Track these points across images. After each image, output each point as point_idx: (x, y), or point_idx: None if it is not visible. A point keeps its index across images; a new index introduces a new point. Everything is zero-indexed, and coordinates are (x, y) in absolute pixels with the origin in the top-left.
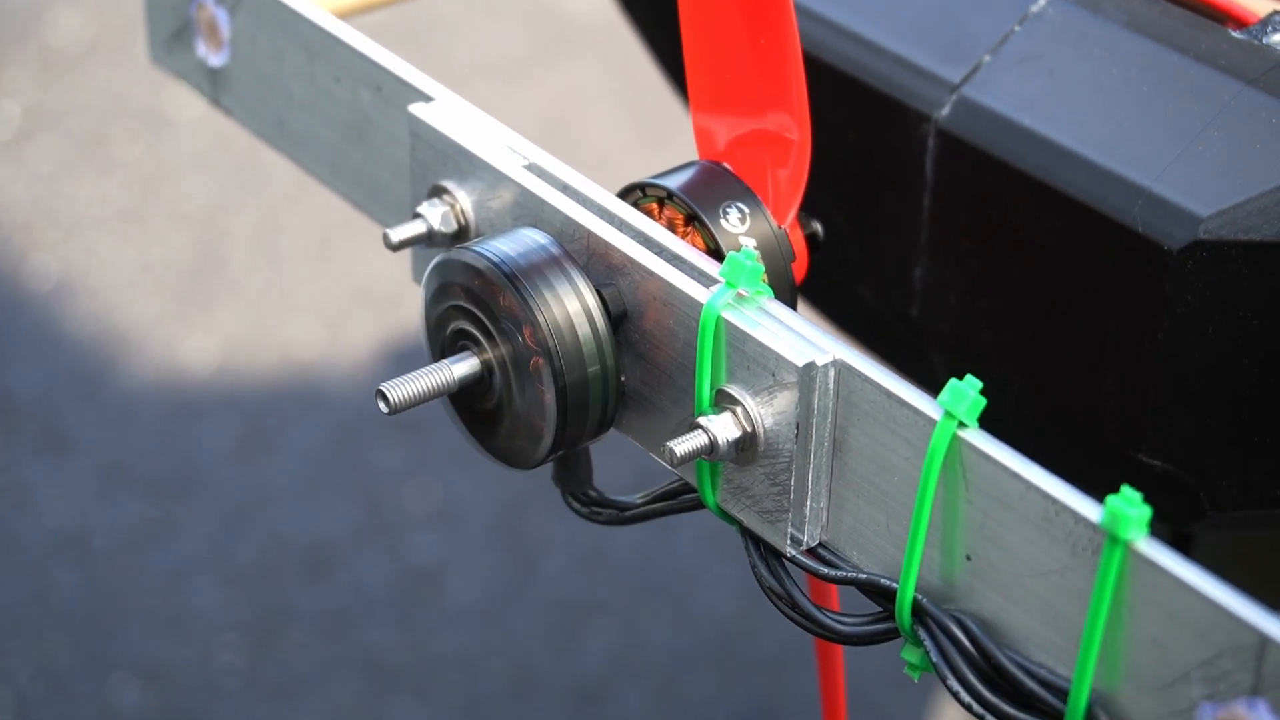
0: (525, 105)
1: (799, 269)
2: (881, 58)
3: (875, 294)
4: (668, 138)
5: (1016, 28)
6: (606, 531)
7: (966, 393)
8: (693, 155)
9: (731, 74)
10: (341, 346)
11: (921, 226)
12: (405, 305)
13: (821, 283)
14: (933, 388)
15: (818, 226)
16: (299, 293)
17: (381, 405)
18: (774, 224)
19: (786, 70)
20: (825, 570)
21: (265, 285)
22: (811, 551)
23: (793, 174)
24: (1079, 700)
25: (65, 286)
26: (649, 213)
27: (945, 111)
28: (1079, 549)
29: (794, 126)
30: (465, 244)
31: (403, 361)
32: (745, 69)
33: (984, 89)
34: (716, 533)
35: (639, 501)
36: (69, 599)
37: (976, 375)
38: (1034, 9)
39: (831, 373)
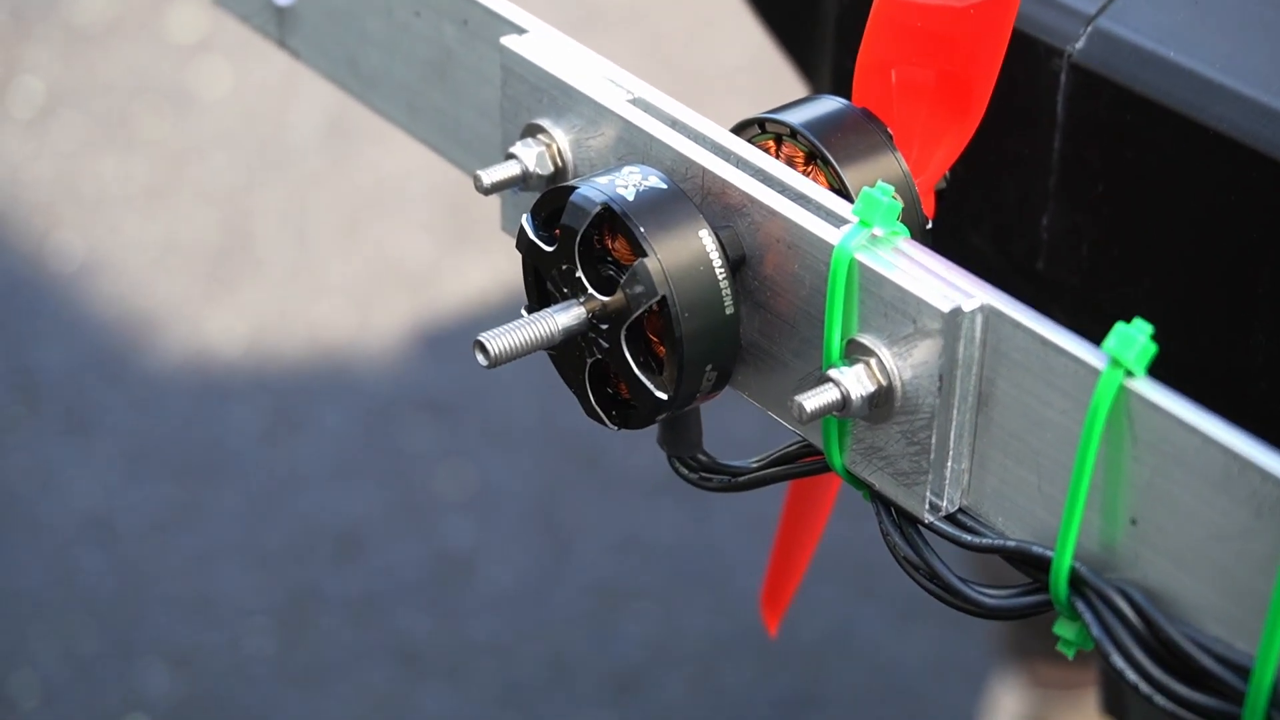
0: None
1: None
2: None
3: (994, 244)
4: (704, 112)
5: None
6: (644, 515)
7: (1135, 338)
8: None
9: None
10: (371, 326)
11: (1050, 170)
12: (436, 284)
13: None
14: None
15: (945, 179)
16: (327, 272)
17: (480, 357)
18: (903, 164)
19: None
20: (968, 538)
21: (293, 265)
22: (951, 517)
23: (954, 136)
24: (1263, 678)
25: (89, 266)
26: (766, 149)
27: (1079, 44)
28: (1264, 510)
29: (974, 80)
30: (570, 182)
31: (435, 341)
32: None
33: (1122, 19)
34: (757, 516)
35: (754, 465)
36: (95, 583)
37: (1107, 331)
38: None
39: (979, 319)
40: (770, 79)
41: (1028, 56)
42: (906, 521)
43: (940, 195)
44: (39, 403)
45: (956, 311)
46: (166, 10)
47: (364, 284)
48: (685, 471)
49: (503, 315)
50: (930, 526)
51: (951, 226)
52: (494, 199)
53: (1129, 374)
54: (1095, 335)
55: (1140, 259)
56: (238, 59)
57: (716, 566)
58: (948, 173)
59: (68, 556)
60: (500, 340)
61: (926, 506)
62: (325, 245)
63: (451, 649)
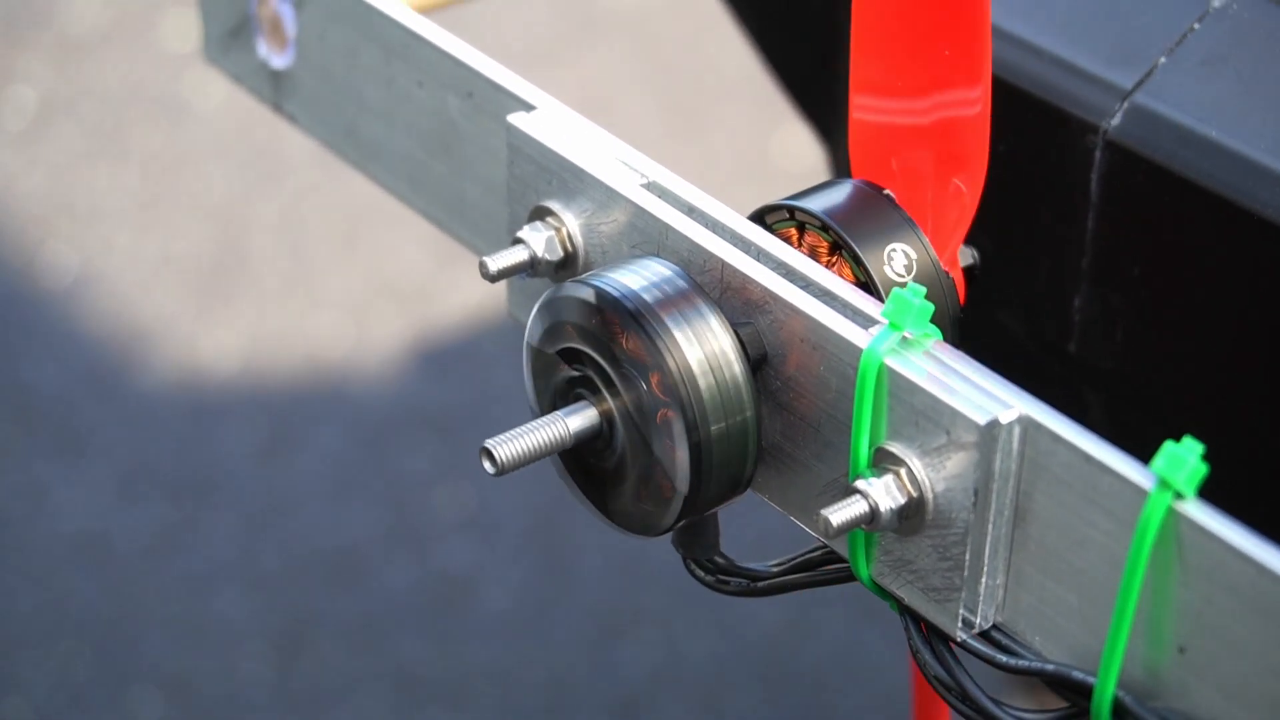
0: (555, 91)
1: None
2: (1040, 60)
3: (1024, 324)
4: (702, 127)
5: (1195, 25)
6: (646, 540)
7: (1185, 458)
8: (728, 146)
9: (907, 48)
10: (369, 342)
11: (1084, 250)
12: (436, 299)
13: None
14: (1088, 429)
15: (974, 256)
16: (324, 286)
17: (487, 466)
18: (934, 256)
19: (976, 47)
20: (1004, 658)
21: (289, 279)
22: (985, 635)
23: (962, 203)
24: None
25: (83, 280)
26: (787, 239)
27: (1115, 121)
28: None
29: (976, 107)
30: (580, 276)
31: (433, 358)
32: (924, 41)
33: (1160, 94)
34: (761, 535)
35: (774, 570)
36: (87, 606)
37: (1143, 417)
38: (1215, 4)
39: (1017, 430)
40: (771, 94)
41: (1060, 132)
42: (937, 638)
43: (970, 274)
44: (30, 421)
45: (993, 424)
46: (160, 19)
47: (361, 298)
48: (701, 574)
49: (503, 331)
50: (963, 645)
51: (981, 305)
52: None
53: (1178, 496)
54: (1131, 421)
55: (1178, 345)
56: None
57: None
58: (974, 251)
59: (59, 579)
60: (508, 447)
61: (959, 624)
62: (322, 259)
63: (450, 674)
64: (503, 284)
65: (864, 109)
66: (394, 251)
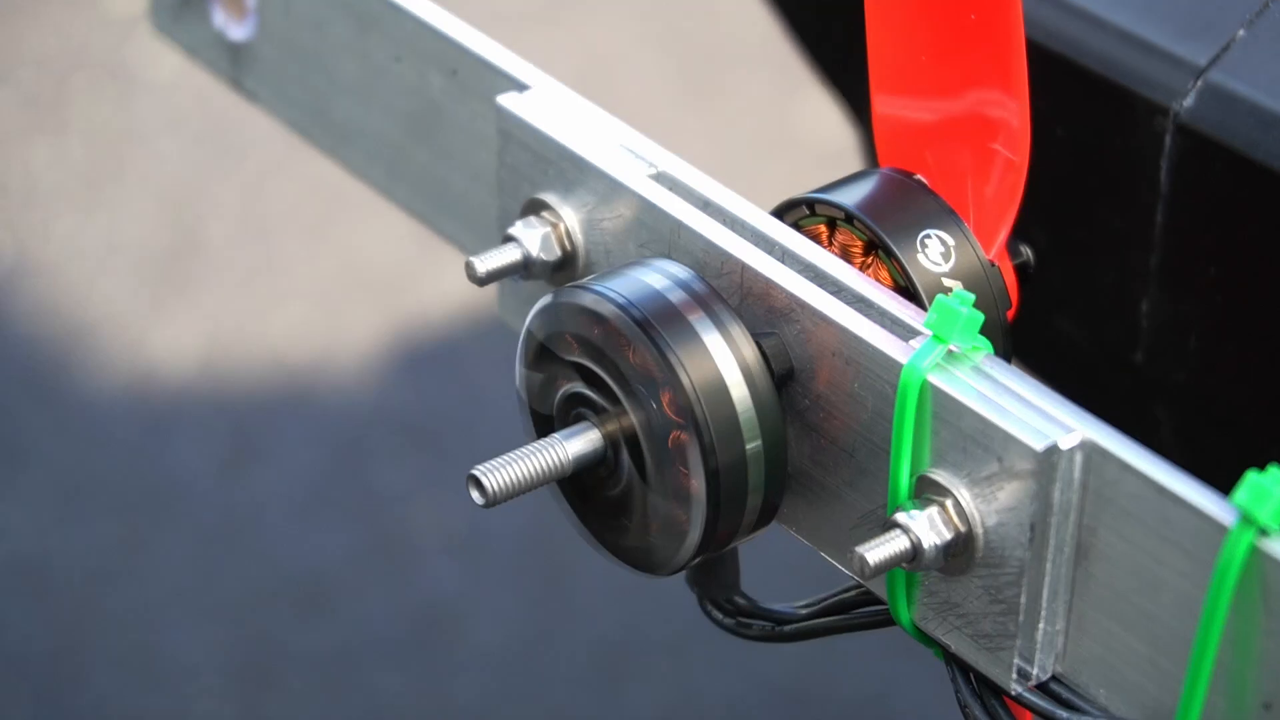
0: (554, 56)
1: (1008, 313)
2: (1103, 33)
3: (1084, 331)
4: (716, 90)
5: None
6: None
7: (1270, 490)
8: (745, 116)
9: (930, 46)
10: (341, 340)
11: (1152, 248)
12: (417, 290)
13: None
14: (1157, 451)
15: (1028, 253)
16: (291, 276)
17: (476, 496)
18: (984, 259)
19: (1006, 37)
20: (1064, 714)
21: (251, 269)
22: (1043, 687)
23: (1003, 186)
24: None
25: (18, 271)
26: (816, 238)
27: (1187, 101)
28: None
29: (1011, 111)
30: (580, 281)
31: (414, 358)
32: (949, 39)
33: (1237, 71)
34: (785, 557)
35: (801, 612)
36: (24, 639)
37: (1220, 439)
38: None
39: (1079, 458)
40: (791, 62)
41: (1125, 115)
42: (988, 691)
43: (1024, 273)
44: None
45: (1052, 450)
46: None
47: (333, 290)
48: (719, 616)
49: (492, 327)
50: (1018, 698)
51: (1036, 310)
52: None
53: (1263, 532)
54: (1205, 441)
55: (1259, 356)
56: None
57: None
58: (1028, 248)
59: None
60: (499, 475)
61: (1014, 675)
62: (288, 246)
63: (434, 713)
64: (493, 285)
65: (889, 105)
66: (369, 237)
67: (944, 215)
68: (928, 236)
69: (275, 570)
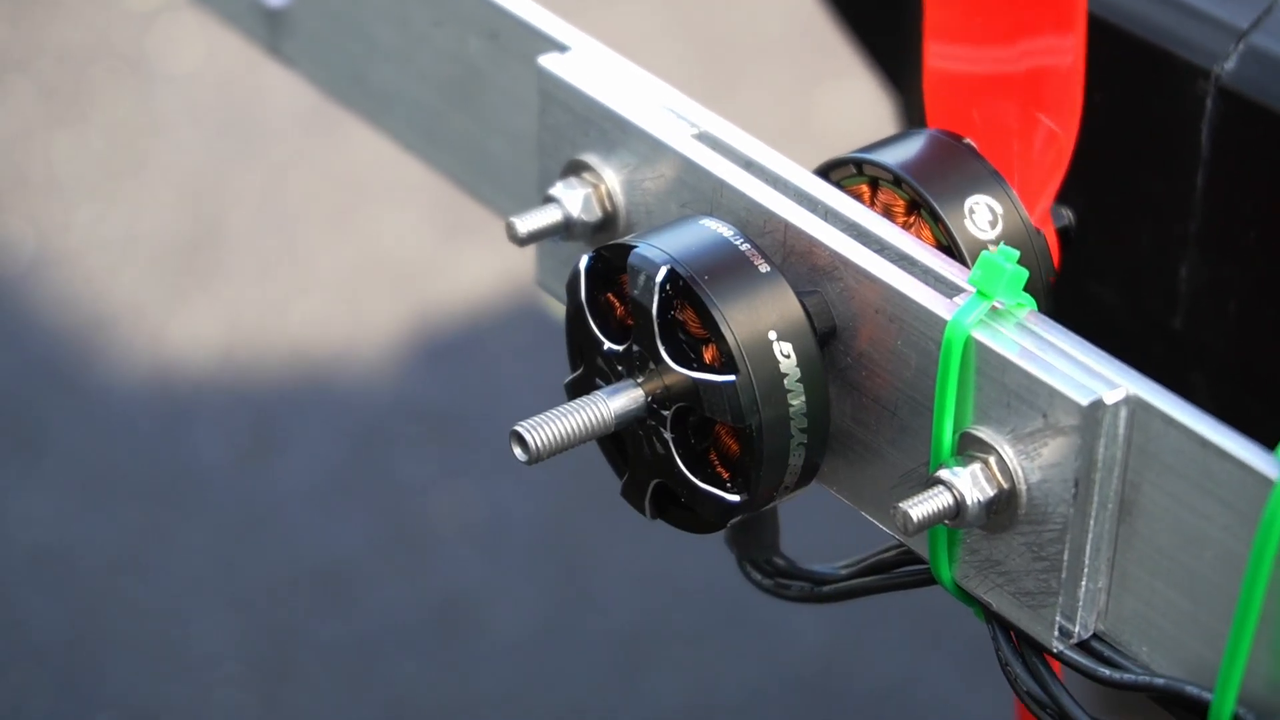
0: None
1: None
2: None
3: (1121, 296)
4: (737, 80)
5: None
6: (675, 548)
7: None
8: (768, 106)
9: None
10: (362, 330)
11: (1192, 213)
12: (438, 280)
13: None
14: None
15: (1070, 217)
16: (312, 267)
17: (518, 452)
18: (1030, 224)
19: None
20: (1106, 672)
21: (272, 259)
22: (1084, 645)
23: (1051, 149)
24: None
25: (39, 262)
26: (858, 197)
27: (1229, 64)
28: None
29: (1066, 54)
30: (624, 238)
31: (434, 347)
32: None
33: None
34: (808, 545)
35: (842, 573)
36: (46, 628)
37: (1258, 404)
38: None
39: (1123, 413)
40: (815, 50)
41: (1167, 78)
42: (1030, 649)
43: (1065, 237)
44: None
45: (1097, 404)
46: None
47: (353, 281)
48: (758, 577)
49: (514, 316)
50: (1060, 656)
51: (1074, 275)
52: None
53: None
54: (1245, 407)
55: None
56: (209, 22)
57: (759, 607)
58: (1069, 212)
59: (14, 597)
60: (543, 431)
61: (1056, 633)
62: (310, 236)
63: (454, 705)
64: (514, 260)
65: (941, 56)
66: (389, 227)
67: (992, 181)
68: (976, 203)
69: (295, 559)
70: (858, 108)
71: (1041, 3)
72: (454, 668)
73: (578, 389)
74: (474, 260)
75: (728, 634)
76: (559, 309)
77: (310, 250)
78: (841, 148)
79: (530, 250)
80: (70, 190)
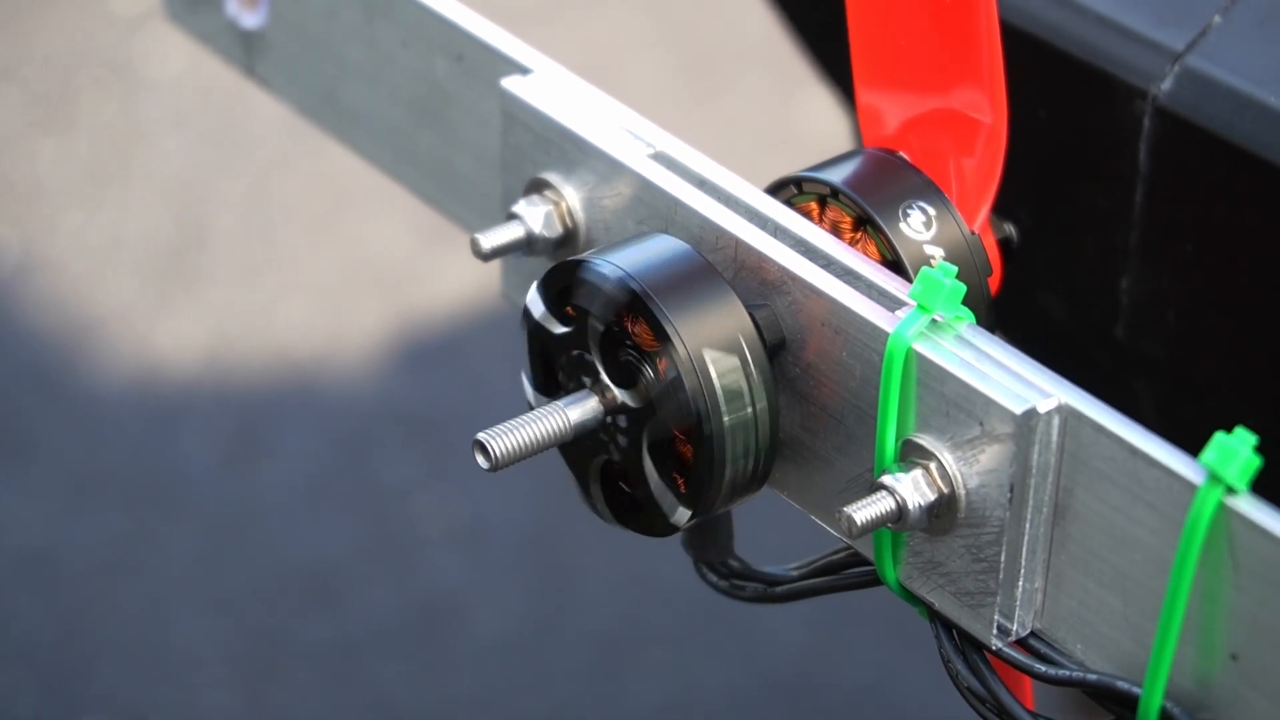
0: (555, 54)
1: (992, 283)
2: (1083, 19)
3: (1067, 308)
4: (718, 88)
5: None
6: (656, 551)
7: (1237, 450)
8: (747, 114)
9: (908, 39)
10: (345, 334)
11: (1132, 226)
12: (421, 285)
13: None
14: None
15: (1011, 230)
16: (296, 272)
17: (480, 460)
18: (965, 229)
19: (977, 32)
20: (1042, 668)
21: (257, 264)
22: (1022, 643)
23: (983, 163)
24: None
25: (25, 267)
26: (807, 214)
27: (1165, 85)
28: None
29: (985, 104)
30: (581, 255)
31: (418, 352)
32: (925, 32)
33: (1214, 56)
34: (785, 547)
35: (793, 574)
36: (32, 630)
37: (1198, 411)
38: None
39: (1056, 421)
40: (793, 58)
41: (1106, 97)
42: (971, 647)
43: (1007, 249)
44: None
45: (1031, 413)
46: None
47: (338, 286)
48: (713, 579)
49: (496, 321)
50: (998, 654)
51: (1019, 288)
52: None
53: (1230, 491)
54: (1184, 414)
55: (1236, 329)
56: None
57: (738, 609)
58: (1010, 225)
59: (1, 599)
60: (503, 440)
61: (995, 631)
62: (294, 242)
63: (436, 705)
64: (496, 266)
65: (871, 97)
66: (374, 232)
67: (926, 187)
68: (910, 207)
69: (280, 562)
70: (838, 114)
71: (956, 51)
72: (437, 669)
73: (542, 391)
74: (456, 266)
75: (707, 635)
76: None
77: (294, 255)
78: (822, 153)
79: (496, 264)
80: (56, 196)
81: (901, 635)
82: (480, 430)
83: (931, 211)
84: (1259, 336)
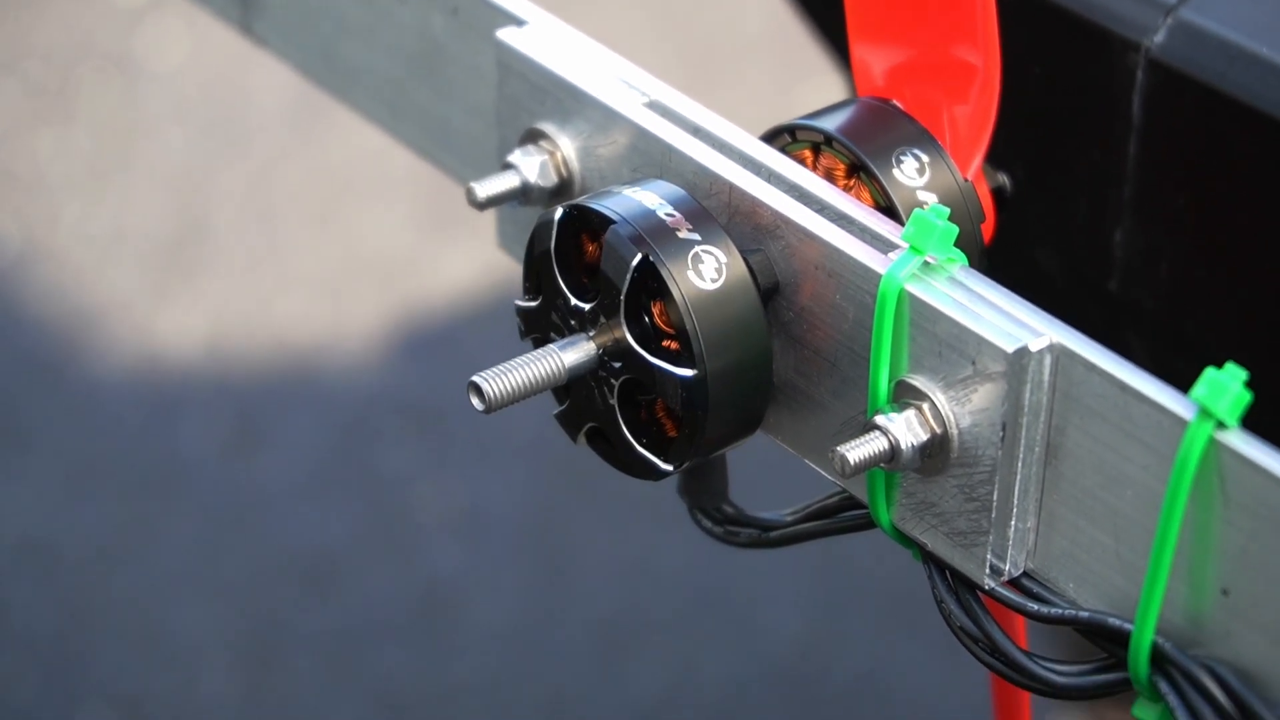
0: None
1: (986, 231)
2: None
3: (1060, 261)
4: (717, 79)
5: None
6: (654, 539)
7: (1227, 385)
8: (748, 105)
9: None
10: (345, 325)
11: (1125, 179)
12: (419, 276)
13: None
14: None
15: (1005, 179)
16: (296, 263)
17: (475, 401)
18: (959, 176)
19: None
20: (1034, 606)
21: (257, 255)
22: (1014, 583)
23: (977, 111)
24: None
25: (25, 257)
26: (801, 162)
27: (1158, 38)
28: None
29: (977, 50)
30: (578, 200)
31: (417, 342)
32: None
33: (1207, 9)
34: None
35: (788, 519)
36: (32, 618)
37: (1190, 364)
38: None
39: (1048, 359)
40: (794, 50)
41: (1100, 51)
42: (963, 587)
43: (1000, 198)
44: None
45: (1022, 352)
46: None
47: (337, 277)
48: (709, 525)
49: (494, 311)
50: (990, 593)
51: (1013, 242)
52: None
53: (1220, 426)
54: (1175, 365)
55: (1228, 281)
56: (194, 21)
57: (738, 596)
58: (1004, 175)
59: (1, 587)
60: (499, 382)
61: (987, 570)
62: (294, 232)
63: (437, 692)
64: (493, 257)
65: (866, 52)
66: (373, 224)
67: (919, 135)
68: (903, 154)
69: (280, 550)
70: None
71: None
72: (436, 656)
73: (530, 319)
74: (455, 256)
75: (706, 622)
76: None
77: (294, 246)
78: None
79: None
80: (57, 187)
81: (901, 624)
82: (477, 425)
83: (925, 158)
84: (1252, 288)
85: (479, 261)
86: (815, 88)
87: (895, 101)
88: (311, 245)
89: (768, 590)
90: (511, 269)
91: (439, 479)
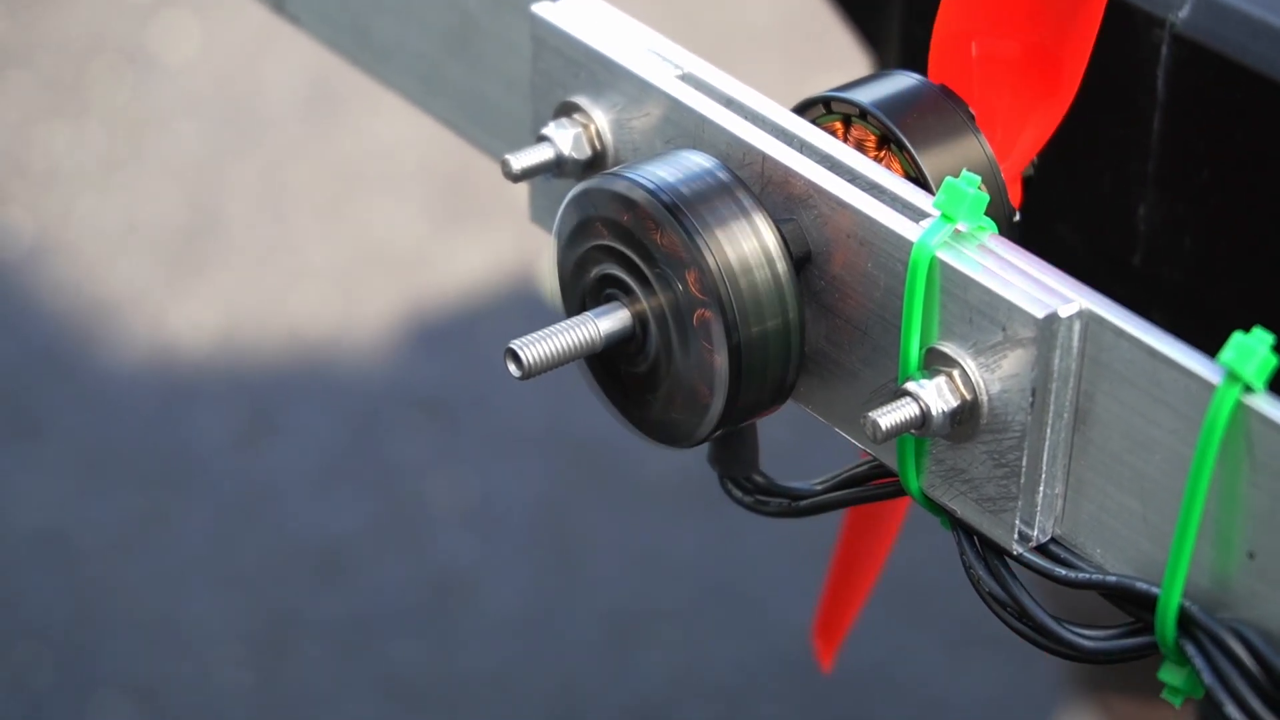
0: None
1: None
2: None
3: (1083, 236)
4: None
5: None
6: (665, 529)
7: (1255, 349)
8: (776, 98)
9: None
10: (357, 317)
11: (1149, 154)
12: (432, 268)
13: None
14: None
15: (1032, 165)
16: (308, 255)
17: (512, 368)
18: (987, 148)
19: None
20: (1062, 572)
21: (269, 247)
22: (1042, 548)
23: (1040, 121)
24: None
25: (39, 250)
26: (832, 133)
27: (1183, 13)
28: None
29: (1068, 67)
30: (612, 170)
31: (429, 334)
32: None
33: None
34: (793, 527)
35: (817, 488)
36: (47, 607)
37: (1214, 338)
38: None
39: (1077, 325)
40: (806, 40)
41: (1124, 26)
42: (992, 553)
43: (1027, 183)
44: None
45: (1052, 318)
46: None
47: (349, 269)
48: (739, 494)
49: (506, 303)
50: (1019, 559)
51: (1037, 217)
52: (496, 172)
53: (1248, 389)
54: (1199, 339)
55: (1250, 254)
56: (207, 14)
57: (748, 586)
58: (1035, 159)
59: (16, 577)
60: (536, 348)
61: (1015, 536)
62: (306, 225)
63: (448, 681)
64: (502, 251)
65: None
66: (385, 216)
67: (956, 115)
68: (933, 126)
69: (293, 541)
70: None
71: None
72: (448, 646)
73: (576, 268)
74: (467, 249)
75: (717, 613)
76: (550, 294)
77: (306, 239)
78: None
79: (521, 238)
80: (70, 180)
81: (911, 615)
82: (489, 417)
83: (954, 130)
84: (1275, 260)
85: (491, 254)
86: (824, 80)
87: (933, 80)
88: (324, 238)
89: (777, 581)
90: (523, 261)
91: (450, 470)
